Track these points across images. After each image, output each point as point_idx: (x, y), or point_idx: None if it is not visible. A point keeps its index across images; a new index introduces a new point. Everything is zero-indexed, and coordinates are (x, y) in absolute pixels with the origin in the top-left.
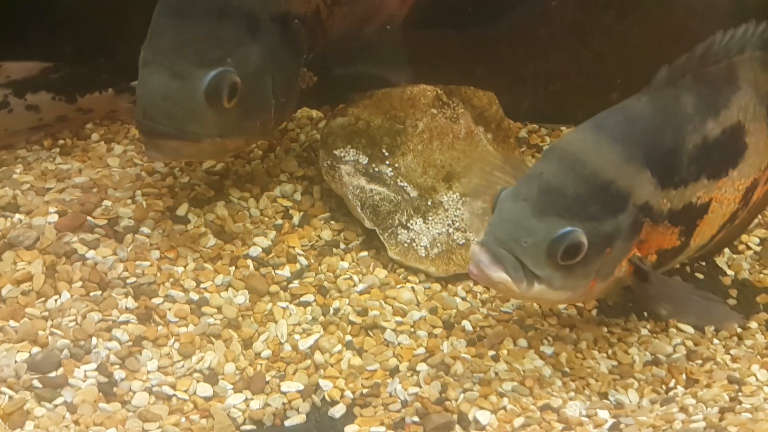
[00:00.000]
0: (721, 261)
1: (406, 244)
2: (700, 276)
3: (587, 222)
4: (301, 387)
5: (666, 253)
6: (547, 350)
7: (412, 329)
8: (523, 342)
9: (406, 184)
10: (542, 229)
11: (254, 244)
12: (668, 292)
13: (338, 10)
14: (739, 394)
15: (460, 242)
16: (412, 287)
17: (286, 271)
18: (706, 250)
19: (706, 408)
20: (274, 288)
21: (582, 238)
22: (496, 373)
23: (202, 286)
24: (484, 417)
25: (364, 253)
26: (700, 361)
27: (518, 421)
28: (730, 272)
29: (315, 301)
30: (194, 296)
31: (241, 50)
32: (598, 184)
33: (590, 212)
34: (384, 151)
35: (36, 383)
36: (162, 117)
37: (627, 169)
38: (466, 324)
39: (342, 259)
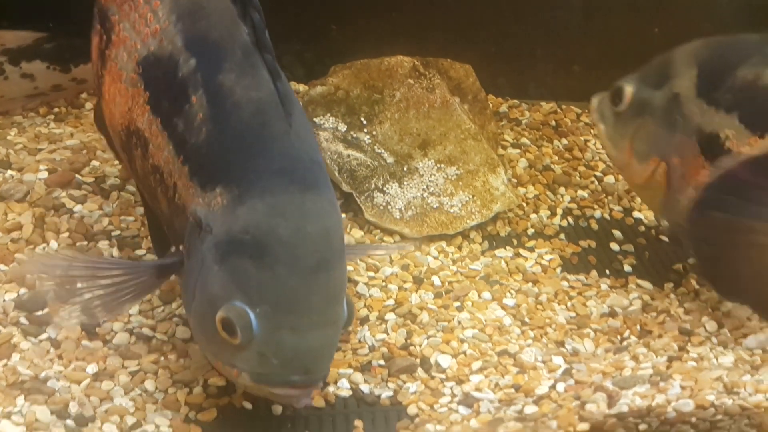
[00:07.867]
0: None
1: (381, 207)
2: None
3: (640, 82)
4: None
5: None
6: (510, 302)
7: (384, 283)
8: (487, 295)
9: (383, 150)
10: (620, 82)
11: None
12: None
13: None
14: (688, 344)
15: (434, 206)
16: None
17: None
18: None
19: (656, 357)
20: None
21: (628, 87)
22: (459, 322)
23: None
24: (444, 360)
25: (342, 215)
26: (654, 314)
27: (476, 365)
28: None
29: None
30: None
31: None
32: (661, 60)
33: (646, 77)
34: (362, 119)
35: (23, 320)
36: (324, 366)
37: (682, 59)
38: (435, 279)
39: None
